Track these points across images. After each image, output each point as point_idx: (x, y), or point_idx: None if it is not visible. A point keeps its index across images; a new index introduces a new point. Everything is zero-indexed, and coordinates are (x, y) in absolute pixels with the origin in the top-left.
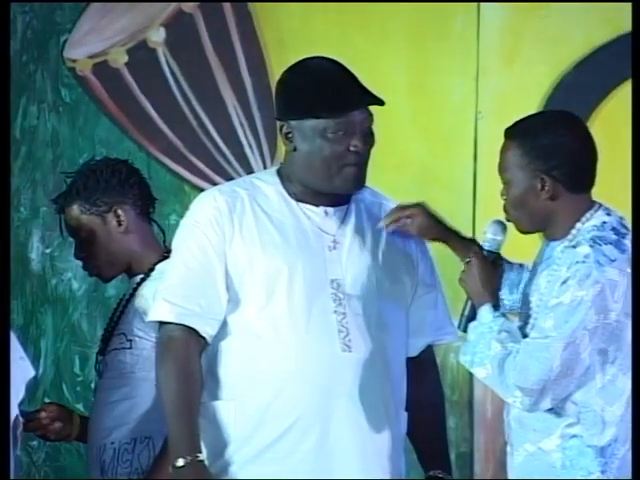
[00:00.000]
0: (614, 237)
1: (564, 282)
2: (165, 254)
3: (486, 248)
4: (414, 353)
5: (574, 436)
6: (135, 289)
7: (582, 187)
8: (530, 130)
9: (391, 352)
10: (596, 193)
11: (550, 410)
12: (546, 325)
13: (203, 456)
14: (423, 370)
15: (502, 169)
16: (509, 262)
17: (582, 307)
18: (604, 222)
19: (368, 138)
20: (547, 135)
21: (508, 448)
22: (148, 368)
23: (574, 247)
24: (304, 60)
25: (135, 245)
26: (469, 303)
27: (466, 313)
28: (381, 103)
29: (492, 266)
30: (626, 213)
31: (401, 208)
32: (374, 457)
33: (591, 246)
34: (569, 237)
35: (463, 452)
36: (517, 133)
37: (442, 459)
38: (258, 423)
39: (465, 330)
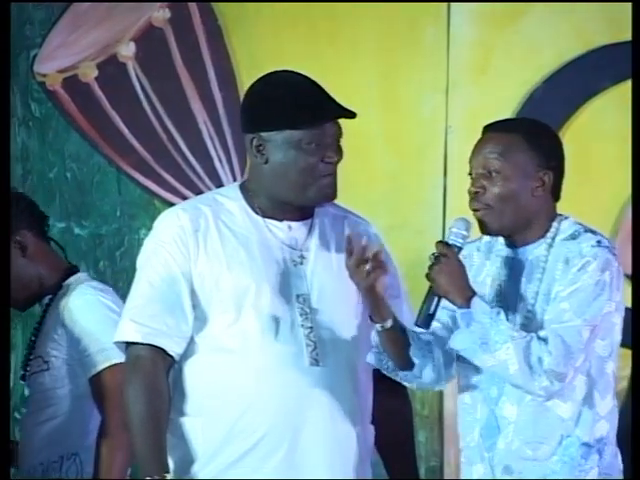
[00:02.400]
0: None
1: (582, 268)
2: (68, 269)
3: (458, 245)
4: None
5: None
6: (45, 310)
7: (559, 194)
8: (533, 127)
9: (358, 365)
10: (563, 207)
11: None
12: (564, 309)
13: (170, 475)
14: (391, 382)
15: (491, 159)
16: None
17: (604, 291)
18: (576, 222)
19: (339, 150)
20: (548, 136)
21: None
22: (67, 385)
23: (573, 238)
24: (273, 73)
25: (41, 267)
26: (434, 299)
27: (431, 311)
28: (353, 115)
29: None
30: (594, 225)
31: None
32: (342, 471)
33: (593, 232)
34: (549, 235)
35: (433, 466)
36: (519, 128)
37: (411, 473)
38: (226, 439)
39: (423, 326)
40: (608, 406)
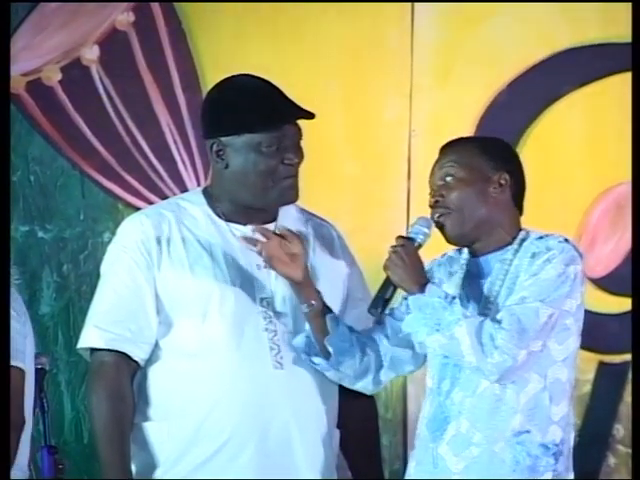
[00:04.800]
0: None
1: (547, 260)
2: None
3: (418, 241)
4: None
5: None
6: None
7: (522, 205)
8: (484, 138)
9: None
10: (525, 210)
11: None
12: (524, 296)
13: None
14: None
15: (446, 167)
16: None
17: (566, 283)
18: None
19: (299, 152)
20: (501, 144)
21: None
22: None
23: (540, 238)
24: (230, 78)
25: None
26: (390, 287)
27: (387, 296)
28: (312, 116)
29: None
30: (556, 230)
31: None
32: (307, 474)
33: (560, 240)
34: (516, 242)
35: (397, 469)
36: (471, 140)
37: (376, 475)
38: (190, 442)
39: (376, 311)
40: (561, 412)
